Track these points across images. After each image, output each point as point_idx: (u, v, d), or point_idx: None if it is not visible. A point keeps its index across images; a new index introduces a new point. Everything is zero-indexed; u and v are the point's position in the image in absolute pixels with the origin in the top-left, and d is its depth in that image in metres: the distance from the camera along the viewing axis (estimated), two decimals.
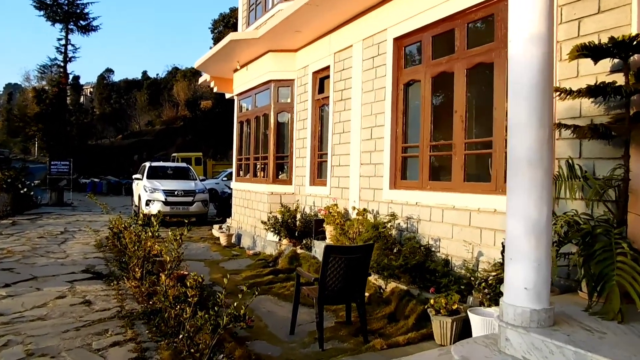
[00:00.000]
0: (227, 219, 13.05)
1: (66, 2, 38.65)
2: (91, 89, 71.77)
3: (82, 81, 63.05)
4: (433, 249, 5.70)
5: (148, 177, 15.09)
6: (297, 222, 8.35)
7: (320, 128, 8.68)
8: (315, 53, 8.62)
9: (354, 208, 7.09)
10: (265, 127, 9.99)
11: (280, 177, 9.64)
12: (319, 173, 8.67)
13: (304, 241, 8.38)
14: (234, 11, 44.39)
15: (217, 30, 44.97)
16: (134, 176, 16.09)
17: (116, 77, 69.43)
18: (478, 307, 4.25)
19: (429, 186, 5.98)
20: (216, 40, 45.10)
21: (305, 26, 7.95)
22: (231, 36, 9.01)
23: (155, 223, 6.50)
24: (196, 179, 15.95)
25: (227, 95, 13.15)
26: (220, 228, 12.46)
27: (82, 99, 65.54)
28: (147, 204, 13.99)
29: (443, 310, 4.36)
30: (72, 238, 11.50)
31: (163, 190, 14.17)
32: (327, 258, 4.42)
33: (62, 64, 38.96)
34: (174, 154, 31.68)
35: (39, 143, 46.25)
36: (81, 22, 40.35)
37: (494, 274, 4.31)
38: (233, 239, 10.86)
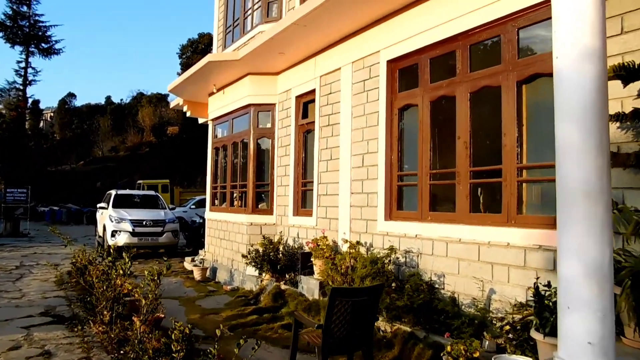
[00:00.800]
0: (200, 251, 12.32)
1: (27, 24, 37.35)
2: (52, 114, 69.54)
3: (42, 105, 60.97)
4: (437, 286, 5.26)
5: (114, 206, 14.22)
6: (280, 255, 7.79)
7: (304, 155, 8.23)
8: (298, 76, 8.23)
9: (345, 241, 6.61)
10: (244, 154, 9.46)
11: (260, 206, 9.09)
12: (303, 202, 8.18)
13: (288, 275, 7.82)
14: (202, 37, 44.13)
15: (185, 55, 44.42)
16: (98, 205, 15.16)
17: (78, 102, 67.70)
18: (503, 355, 3.79)
19: (430, 217, 5.58)
20: (184, 65, 44.47)
21: (290, 47, 7.56)
22: (209, 57, 8.53)
23: (127, 259, 5.83)
24: (165, 208, 15.15)
25: (201, 120, 12.60)
26: (193, 260, 11.71)
27: (41, 124, 63.30)
28: (112, 235, 13.11)
29: (462, 358, 3.89)
30: (28, 273, 10.53)
31: (130, 220, 13.34)
32: (332, 302, 3.90)
33: (21, 87, 37.36)
34: (139, 181, 30.56)
35: None
36: (43, 44, 38.95)
37: (518, 316, 3.88)
38: (208, 273, 10.15)
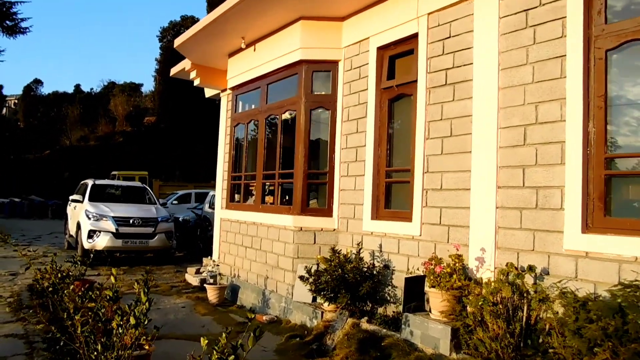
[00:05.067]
0: (205, 259, 9.62)
1: None
2: (15, 101, 64.96)
3: (5, 92, 56.69)
4: None
5: (91, 199, 11.34)
6: (359, 277, 5.20)
7: (390, 131, 5.68)
8: (382, 18, 5.67)
9: (480, 262, 4.11)
10: (287, 131, 6.84)
11: (310, 204, 6.48)
12: (387, 201, 5.62)
13: (366, 307, 5.28)
14: (185, 19, 40.99)
15: (165, 39, 41.12)
16: (71, 197, 12.21)
17: (45, 90, 63.30)
18: None
19: None
20: (165, 50, 41.23)
21: None
22: None
23: (144, 300, 3.22)
24: (156, 203, 12.30)
25: (211, 93, 9.90)
26: (199, 272, 9.00)
27: (4, 111, 58.94)
28: (90, 236, 10.25)
29: None
30: None
31: (114, 217, 10.48)
32: None
33: None
34: (113, 172, 27.31)
35: None
36: (7, 22, 35.23)
37: None
38: (225, 292, 7.48)
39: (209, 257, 9.53)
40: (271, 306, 6.53)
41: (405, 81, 5.40)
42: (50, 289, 5.13)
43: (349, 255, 5.39)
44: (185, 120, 37.05)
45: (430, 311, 4.48)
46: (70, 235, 12.17)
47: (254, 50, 7.44)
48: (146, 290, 3.21)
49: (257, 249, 7.05)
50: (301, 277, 5.40)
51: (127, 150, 38.27)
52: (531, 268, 3.85)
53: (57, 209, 27.78)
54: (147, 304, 3.16)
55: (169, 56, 38.43)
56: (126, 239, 10.39)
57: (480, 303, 3.82)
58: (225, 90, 9.10)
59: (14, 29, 36.21)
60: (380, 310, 5.37)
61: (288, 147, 6.77)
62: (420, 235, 5.00)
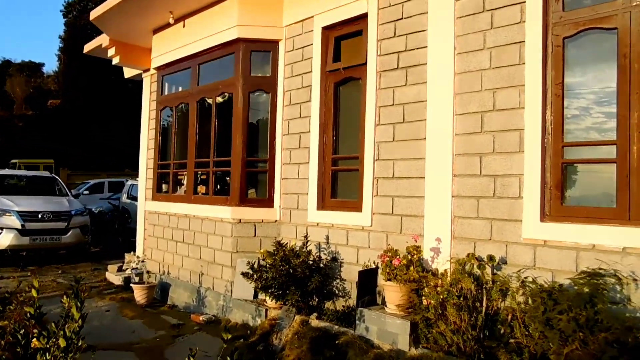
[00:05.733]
0: (127, 255, 8.87)
1: None
2: None
3: None
4: None
5: None
6: (307, 272, 4.91)
7: (336, 118, 5.40)
8: None
9: (436, 252, 4.00)
10: (223, 116, 6.34)
11: (249, 194, 6.07)
12: (333, 190, 5.36)
13: (311, 302, 5.01)
14: None
15: (71, 15, 37.77)
16: None
17: None
18: None
19: None
20: (70, 26, 38.00)
21: None
22: None
23: (77, 317, 2.70)
24: (68, 195, 11.14)
25: (131, 73, 9.05)
26: (121, 270, 8.26)
27: None
28: None
29: None
30: None
31: (18, 212, 9.32)
32: None
33: None
34: (14, 160, 24.77)
35: None
36: None
37: None
38: (155, 292, 6.87)
39: (132, 253, 8.78)
40: (208, 305, 6.07)
41: (354, 64, 5.13)
42: None
43: (294, 247, 5.07)
44: (96, 103, 34.50)
45: (385, 305, 4.30)
46: None
47: (184, 26, 6.82)
48: (79, 303, 2.67)
49: (190, 244, 6.52)
50: (244, 274, 5.00)
51: (28, 137, 34.93)
52: (491, 258, 3.78)
53: None
54: (80, 320, 2.63)
55: (75, 33, 35.43)
56: (34, 235, 9.29)
57: (444, 296, 3.68)
58: (148, 70, 8.34)
59: None
60: (329, 305, 5.13)
61: (223, 132, 6.28)
62: (371, 226, 4.80)
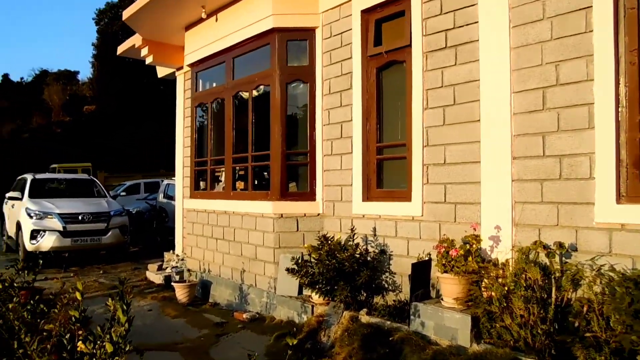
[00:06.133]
0: (166, 254, 8.84)
1: None
2: None
3: None
4: None
5: (31, 196, 10.20)
6: (355, 266, 4.68)
7: (379, 103, 5.15)
8: None
9: (511, 248, 3.70)
10: (259, 109, 6.18)
11: (290, 188, 5.89)
12: (379, 179, 5.11)
13: (359, 297, 4.78)
14: (123, 0, 38.47)
15: (102, 22, 38.59)
16: (7, 195, 10.95)
17: None
18: None
19: None
20: (102, 33, 38.83)
21: None
22: None
23: (123, 321, 2.55)
24: (106, 196, 11.25)
25: (164, 72, 9.00)
26: (161, 269, 8.23)
27: None
28: (33, 237, 9.19)
29: None
30: None
31: (60, 214, 9.43)
32: None
33: None
34: (53, 165, 25.38)
35: None
36: None
37: None
38: (196, 290, 6.78)
39: (171, 252, 8.74)
40: (251, 302, 5.92)
41: (396, 46, 4.87)
42: None
43: (340, 241, 4.85)
44: (129, 106, 35.14)
45: (441, 299, 4.04)
46: (10, 237, 10.96)
47: (216, 20, 6.68)
48: (125, 306, 2.50)
49: (231, 240, 6.39)
50: (289, 270, 4.82)
51: (66, 142, 35.91)
52: (560, 245, 3.47)
53: None
54: (126, 324, 2.47)
55: (107, 40, 36.17)
56: (76, 237, 9.38)
57: (510, 287, 3.40)
58: (181, 68, 8.28)
59: None
60: (377, 299, 4.90)
61: (261, 126, 6.11)
62: (422, 216, 4.54)
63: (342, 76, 5.41)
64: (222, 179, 6.90)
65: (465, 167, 4.21)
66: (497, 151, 3.95)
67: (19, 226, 9.67)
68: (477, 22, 4.14)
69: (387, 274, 4.86)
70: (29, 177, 10.92)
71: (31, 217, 9.36)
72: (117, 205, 10.80)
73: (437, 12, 4.47)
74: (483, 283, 3.80)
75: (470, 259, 3.85)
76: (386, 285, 4.85)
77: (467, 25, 4.23)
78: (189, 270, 7.14)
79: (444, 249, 3.93)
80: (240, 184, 6.58)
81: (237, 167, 6.62)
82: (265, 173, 6.50)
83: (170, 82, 9.50)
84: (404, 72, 4.81)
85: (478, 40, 4.13)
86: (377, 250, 4.92)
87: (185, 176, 8.08)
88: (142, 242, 12.54)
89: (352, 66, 5.27)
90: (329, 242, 4.80)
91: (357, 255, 4.73)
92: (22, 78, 56.97)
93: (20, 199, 10.21)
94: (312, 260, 4.79)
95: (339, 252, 4.72)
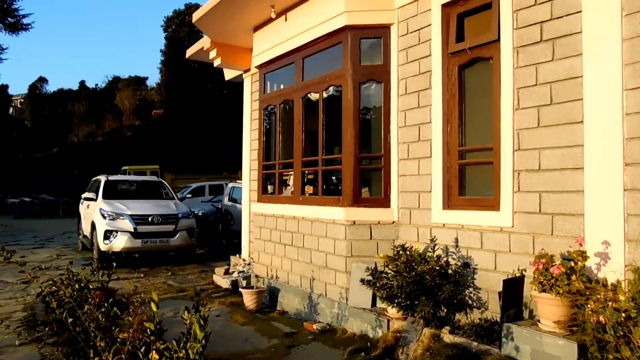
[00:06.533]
0: (233, 257, 8.81)
1: None
2: (21, 100, 64.38)
3: (11, 91, 55.94)
4: None
5: (105, 197, 10.56)
6: (437, 280, 4.33)
7: (461, 104, 4.77)
8: None
9: (632, 266, 3.23)
10: (328, 111, 5.96)
11: (362, 194, 5.61)
12: (461, 186, 4.73)
13: (443, 314, 4.42)
14: (189, 7, 39.91)
15: (170, 29, 40.16)
16: (83, 195, 11.44)
17: (50, 88, 62.62)
18: None
19: None
20: (169, 39, 40.37)
21: None
22: None
23: (200, 337, 2.38)
24: (174, 198, 11.48)
25: (232, 74, 8.99)
26: (228, 273, 8.21)
27: (11, 110, 58.41)
28: (106, 237, 9.48)
29: None
30: None
31: (131, 215, 9.68)
32: None
33: None
34: (124, 167, 26.60)
35: None
36: (9, 19, 34.38)
37: None
38: (264, 296, 6.65)
39: (237, 256, 8.72)
40: (320, 312, 5.70)
41: (482, 42, 4.48)
42: (69, 305, 4.31)
43: (418, 251, 4.51)
44: (195, 109, 36.27)
45: (538, 321, 3.62)
46: (85, 236, 11.43)
47: (286, 19, 6.54)
48: (202, 322, 2.34)
49: (300, 247, 6.21)
50: (364, 281, 4.55)
51: (136, 145, 37.61)
52: None
53: (68, 207, 27.16)
54: (203, 340, 2.30)
55: (174, 46, 37.55)
56: (145, 238, 9.60)
57: (632, 314, 2.94)
58: (248, 70, 8.23)
59: (16, 26, 35.42)
60: (459, 316, 4.52)
61: (332, 128, 5.89)
62: (512, 227, 4.12)
63: (419, 75, 5.08)
64: (291, 182, 6.74)
65: (565, 174, 3.76)
66: (606, 156, 3.49)
67: (93, 226, 10.02)
68: (579, 11, 3.68)
69: (470, 289, 4.47)
70: (102, 178, 11.34)
71: (105, 217, 9.67)
72: (185, 207, 10.97)
73: (530, 3, 4.04)
74: (589, 306, 3.35)
75: (574, 277, 3.41)
76: (470, 302, 4.47)
77: (567, 15, 3.78)
78: (256, 275, 7.03)
79: (542, 266, 3.51)
80: (309, 189, 6.39)
81: (306, 171, 6.43)
82: (334, 177, 6.28)
83: (235, 85, 9.50)
84: (491, 69, 4.41)
85: (581, 32, 3.67)
86: (459, 263, 4.54)
87: (253, 179, 8.01)
88: (208, 244, 12.71)
89: (432, 64, 4.92)
90: (407, 252, 4.49)
91: (437, 268, 4.38)
92: (96, 84, 60.49)
93: (95, 200, 10.60)
94: (389, 271, 4.49)
95: (417, 264, 4.40)
